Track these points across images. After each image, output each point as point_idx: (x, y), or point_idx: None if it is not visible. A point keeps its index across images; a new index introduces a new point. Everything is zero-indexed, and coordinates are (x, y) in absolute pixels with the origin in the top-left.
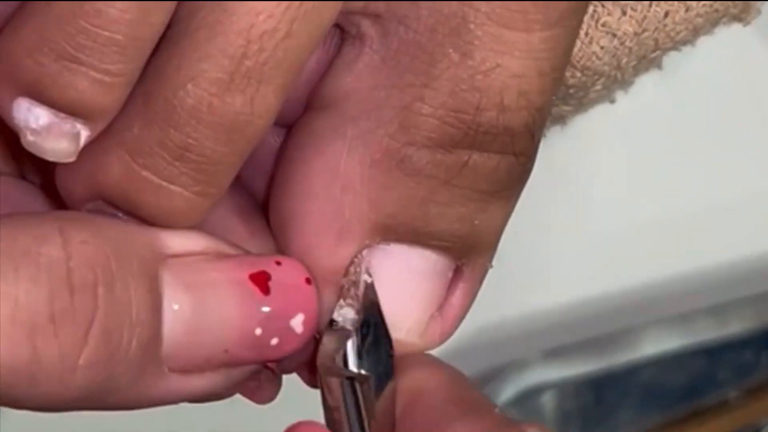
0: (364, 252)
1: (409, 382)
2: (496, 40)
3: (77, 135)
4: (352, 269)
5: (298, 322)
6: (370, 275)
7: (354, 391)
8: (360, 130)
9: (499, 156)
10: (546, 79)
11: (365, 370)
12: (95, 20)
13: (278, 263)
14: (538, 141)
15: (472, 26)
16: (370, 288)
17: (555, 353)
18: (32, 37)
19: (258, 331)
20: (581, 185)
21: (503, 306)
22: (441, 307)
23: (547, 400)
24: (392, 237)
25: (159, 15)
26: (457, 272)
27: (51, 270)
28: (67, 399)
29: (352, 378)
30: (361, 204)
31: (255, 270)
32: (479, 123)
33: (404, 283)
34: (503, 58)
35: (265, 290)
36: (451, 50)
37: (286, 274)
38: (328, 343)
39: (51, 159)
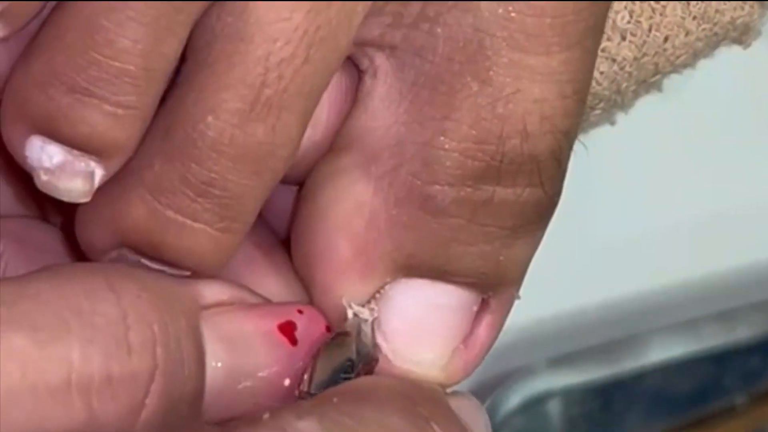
0: (387, 287)
1: None
2: (514, 66)
3: (91, 174)
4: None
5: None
6: (368, 312)
7: None
8: (384, 169)
9: (525, 189)
10: (568, 101)
11: (314, 390)
12: (106, 51)
13: (300, 312)
14: (565, 170)
15: (489, 53)
16: (357, 321)
17: (561, 360)
18: (43, 72)
19: (287, 382)
20: (587, 192)
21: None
22: (465, 339)
23: (553, 407)
24: (415, 274)
25: (172, 45)
26: (484, 304)
27: (108, 329)
28: None
29: (302, 397)
30: (384, 243)
31: (282, 320)
32: (503, 153)
33: (427, 317)
34: (523, 83)
35: (293, 341)
36: (469, 79)
37: (309, 323)
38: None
39: (65, 199)
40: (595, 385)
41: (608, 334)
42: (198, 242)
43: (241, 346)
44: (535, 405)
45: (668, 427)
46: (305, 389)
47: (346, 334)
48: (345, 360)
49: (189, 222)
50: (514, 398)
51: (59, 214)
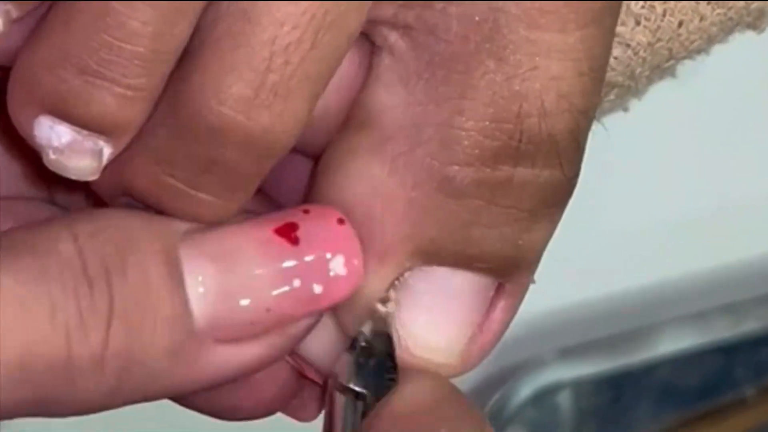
0: (406, 274)
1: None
2: (531, 43)
3: (100, 152)
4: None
5: (339, 265)
6: (393, 304)
7: (348, 406)
8: (400, 150)
9: (544, 170)
10: (586, 79)
11: (362, 388)
12: (117, 33)
13: (306, 212)
14: (583, 151)
15: (505, 30)
16: (386, 316)
17: (571, 352)
18: (53, 53)
19: (296, 283)
20: (597, 184)
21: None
22: (480, 323)
23: (564, 399)
24: (434, 260)
25: (182, 27)
26: (499, 288)
27: (70, 266)
28: (104, 395)
29: (351, 393)
30: (403, 227)
31: (279, 224)
32: (521, 131)
33: (444, 304)
34: (540, 60)
35: (293, 240)
36: (485, 57)
37: (315, 220)
38: (342, 360)
39: (74, 177)
40: (606, 377)
41: (618, 325)
42: (200, 208)
43: (231, 259)
44: (545, 396)
45: (678, 419)
46: (344, 383)
47: (377, 332)
48: (383, 358)
49: (193, 192)
50: (525, 389)
51: (67, 193)
